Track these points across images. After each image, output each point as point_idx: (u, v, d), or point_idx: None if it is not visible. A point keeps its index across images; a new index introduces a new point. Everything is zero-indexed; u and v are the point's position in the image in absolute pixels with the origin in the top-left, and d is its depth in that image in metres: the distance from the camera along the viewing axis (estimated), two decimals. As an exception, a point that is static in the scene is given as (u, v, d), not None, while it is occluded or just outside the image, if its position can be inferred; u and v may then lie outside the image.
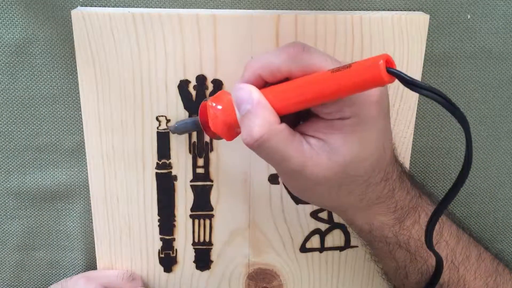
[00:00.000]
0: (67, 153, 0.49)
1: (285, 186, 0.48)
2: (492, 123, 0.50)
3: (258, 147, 0.36)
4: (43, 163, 0.49)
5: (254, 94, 0.36)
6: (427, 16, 0.44)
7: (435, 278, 0.43)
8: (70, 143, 0.49)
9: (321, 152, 0.36)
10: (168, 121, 0.46)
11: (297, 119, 0.40)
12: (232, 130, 0.39)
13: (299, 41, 0.38)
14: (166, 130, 0.46)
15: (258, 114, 0.35)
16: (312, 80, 0.35)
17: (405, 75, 0.32)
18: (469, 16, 0.46)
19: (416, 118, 0.47)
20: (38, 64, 0.46)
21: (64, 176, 0.50)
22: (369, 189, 0.39)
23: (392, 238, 0.42)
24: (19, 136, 0.48)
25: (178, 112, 0.46)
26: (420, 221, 0.43)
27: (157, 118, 0.46)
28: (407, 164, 0.48)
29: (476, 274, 0.45)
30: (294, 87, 0.36)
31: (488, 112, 0.50)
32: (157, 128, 0.46)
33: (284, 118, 0.37)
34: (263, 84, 0.38)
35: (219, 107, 0.39)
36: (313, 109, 0.37)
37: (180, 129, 0.44)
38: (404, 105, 0.46)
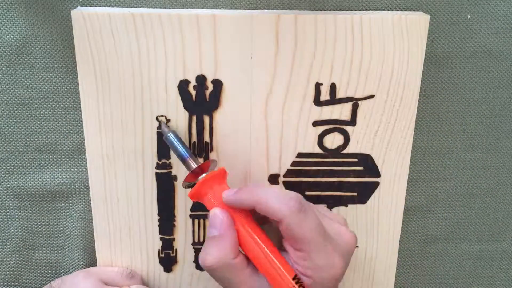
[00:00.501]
0: (67, 153, 0.49)
1: None
2: (492, 123, 0.50)
3: (209, 271, 0.40)
4: (43, 163, 0.49)
5: (224, 224, 0.40)
6: (427, 16, 0.44)
7: None
8: (70, 143, 0.49)
9: None
10: (168, 120, 0.46)
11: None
12: (198, 199, 0.43)
13: (301, 197, 0.40)
14: (166, 130, 0.46)
15: (218, 245, 0.39)
16: (276, 271, 0.40)
17: None
18: (469, 16, 0.46)
19: (416, 118, 0.47)
20: (38, 64, 0.46)
21: (64, 176, 0.50)
22: None
23: None
24: (19, 136, 0.48)
25: (178, 112, 0.46)
26: None
27: (157, 118, 0.46)
28: (407, 164, 0.48)
29: None
30: (264, 254, 0.40)
31: (488, 112, 0.50)
32: (157, 128, 0.46)
33: None
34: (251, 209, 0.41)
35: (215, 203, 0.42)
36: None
37: (170, 145, 0.45)
38: (404, 105, 0.46)
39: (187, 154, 0.44)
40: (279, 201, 0.39)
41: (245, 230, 0.41)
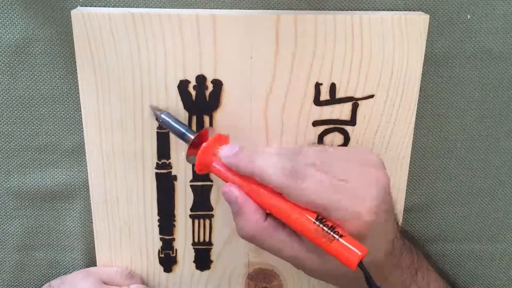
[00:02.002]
0: (67, 153, 0.49)
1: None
2: (492, 123, 0.50)
3: (251, 241, 0.40)
4: (43, 163, 0.49)
5: (236, 193, 0.40)
6: (427, 16, 0.44)
7: None
8: (70, 143, 0.49)
9: (313, 252, 0.38)
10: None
11: None
12: (207, 170, 0.42)
13: (296, 162, 0.39)
14: (166, 130, 0.46)
15: (243, 215, 0.40)
16: (297, 218, 0.38)
17: (369, 277, 0.36)
18: (469, 16, 0.46)
19: (416, 118, 0.47)
20: (38, 64, 0.46)
21: (64, 176, 0.50)
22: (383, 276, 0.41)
23: None
24: (19, 136, 0.48)
25: (178, 112, 0.46)
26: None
27: (157, 118, 0.46)
28: (407, 164, 0.48)
29: None
30: (280, 209, 0.39)
31: (488, 112, 0.50)
32: (157, 128, 0.46)
33: None
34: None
35: (219, 150, 0.41)
36: None
37: (166, 125, 0.44)
38: (404, 105, 0.46)
39: (184, 129, 0.43)
40: (273, 172, 0.38)
41: (258, 190, 0.40)
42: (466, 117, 0.50)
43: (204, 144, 0.41)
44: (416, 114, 0.47)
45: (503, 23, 0.47)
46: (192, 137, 0.42)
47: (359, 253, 0.36)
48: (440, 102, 0.49)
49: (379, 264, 0.39)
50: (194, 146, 0.42)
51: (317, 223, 0.37)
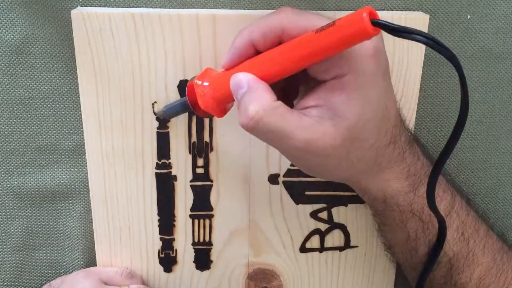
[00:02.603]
0: (67, 153, 0.49)
1: (289, 181, 0.48)
2: (492, 123, 0.50)
3: (255, 126, 0.35)
4: (43, 163, 0.49)
5: (247, 75, 0.36)
6: (427, 16, 0.44)
7: (440, 241, 0.42)
8: (70, 143, 0.49)
9: (324, 121, 0.35)
10: (168, 121, 0.46)
11: (290, 100, 0.40)
12: (222, 105, 0.40)
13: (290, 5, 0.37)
14: (166, 130, 0.46)
15: (252, 94, 0.35)
16: (298, 43, 0.35)
17: (390, 23, 0.32)
18: (469, 16, 0.46)
19: (416, 118, 0.47)
20: (38, 64, 0.46)
21: (64, 176, 0.50)
22: (378, 153, 0.38)
23: (406, 206, 0.41)
24: (19, 136, 0.48)
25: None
26: None
27: (156, 118, 0.46)
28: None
29: (484, 249, 0.45)
30: (281, 52, 0.35)
31: (488, 112, 0.50)
32: (157, 128, 0.46)
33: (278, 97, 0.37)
34: (254, 53, 0.37)
35: (206, 83, 0.39)
36: (310, 72, 0.37)
37: (169, 113, 0.43)
38: (404, 105, 0.46)
39: (180, 101, 0.42)
40: (272, 15, 0.36)
41: (266, 55, 0.37)
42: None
43: (189, 83, 0.40)
44: (416, 114, 0.47)
45: (503, 23, 0.47)
46: (187, 99, 0.41)
47: (364, 13, 0.31)
48: (440, 102, 0.49)
49: (373, 125, 0.37)
50: (194, 106, 0.41)
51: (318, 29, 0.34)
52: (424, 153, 0.43)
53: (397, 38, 0.44)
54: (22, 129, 0.48)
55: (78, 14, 0.43)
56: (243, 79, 0.36)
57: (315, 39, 0.34)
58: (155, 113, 0.46)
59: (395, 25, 0.32)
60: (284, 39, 0.36)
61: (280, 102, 0.36)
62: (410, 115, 0.47)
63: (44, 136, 0.48)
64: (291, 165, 0.48)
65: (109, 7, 0.45)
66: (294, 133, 0.35)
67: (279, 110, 0.35)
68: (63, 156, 0.49)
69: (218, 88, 0.39)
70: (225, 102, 0.39)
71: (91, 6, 0.45)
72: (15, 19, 0.44)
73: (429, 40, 0.32)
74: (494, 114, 0.50)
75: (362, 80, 0.35)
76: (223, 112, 0.40)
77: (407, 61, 0.45)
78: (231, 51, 0.38)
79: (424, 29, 0.44)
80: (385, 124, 0.38)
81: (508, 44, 0.47)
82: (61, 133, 0.48)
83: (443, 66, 0.48)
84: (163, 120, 0.46)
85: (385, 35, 0.44)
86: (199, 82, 0.40)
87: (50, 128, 0.48)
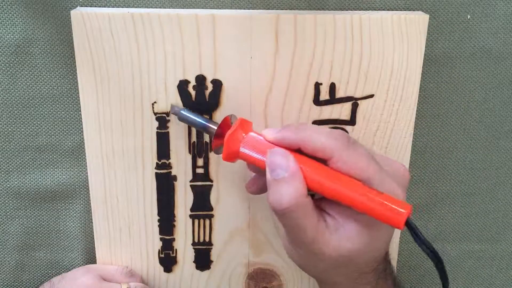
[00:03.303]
0: (67, 153, 0.49)
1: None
2: (492, 123, 0.50)
3: (283, 214, 0.37)
4: (43, 163, 0.49)
5: (291, 163, 0.37)
6: (427, 16, 0.44)
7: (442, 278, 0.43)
8: (70, 143, 0.49)
9: (334, 234, 0.38)
10: (168, 121, 0.46)
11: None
12: (237, 158, 0.41)
13: (344, 132, 0.39)
14: (166, 130, 0.46)
15: (292, 185, 0.36)
16: (345, 182, 0.37)
17: (418, 231, 0.36)
18: (469, 16, 0.46)
19: (416, 118, 0.47)
20: (38, 64, 0.46)
21: (64, 176, 0.50)
22: (361, 275, 0.40)
23: None
24: (19, 136, 0.48)
25: (178, 112, 0.46)
26: None
27: (156, 118, 0.46)
28: (407, 164, 0.48)
29: None
30: (327, 176, 0.37)
31: (488, 112, 0.50)
32: (157, 128, 0.46)
33: None
34: (296, 150, 0.38)
35: (244, 135, 0.40)
36: None
37: (183, 119, 0.44)
38: (404, 105, 0.46)
39: (205, 121, 0.43)
40: (326, 137, 0.37)
41: (301, 158, 0.38)
42: (466, 117, 0.50)
43: (229, 132, 0.41)
44: (416, 114, 0.47)
45: (503, 23, 0.47)
46: (215, 127, 0.42)
47: (405, 211, 0.36)
48: (440, 102, 0.49)
49: (372, 257, 0.40)
50: (218, 136, 0.42)
51: (367, 185, 0.37)
52: (394, 284, 0.45)
53: (396, 38, 0.44)
54: (22, 129, 0.48)
55: (78, 14, 0.43)
56: (284, 163, 0.37)
57: (359, 192, 0.36)
58: (155, 113, 0.46)
59: (421, 235, 0.36)
60: (328, 164, 0.38)
61: (309, 199, 0.37)
62: (410, 115, 0.47)
63: (44, 136, 0.48)
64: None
65: (108, 7, 0.45)
66: (308, 231, 0.37)
67: (307, 208, 0.37)
68: (63, 156, 0.49)
69: (252, 148, 0.40)
70: (245, 161, 0.41)
71: (91, 6, 0.45)
72: (15, 19, 0.44)
73: (438, 263, 0.37)
74: (494, 114, 0.50)
75: (377, 226, 0.38)
76: (231, 159, 0.41)
77: (406, 61, 0.45)
78: (281, 136, 0.39)
79: (424, 29, 0.44)
80: (381, 257, 0.41)
81: (508, 44, 0.47)
82: (61, 133, 0.48)
83: (443, 66, 0.48)
84: (163, 120, 0.46)
85: (385, 34, 0.44)
86: (240, 132, 0.40)
87: (50, 128, 0.48)
